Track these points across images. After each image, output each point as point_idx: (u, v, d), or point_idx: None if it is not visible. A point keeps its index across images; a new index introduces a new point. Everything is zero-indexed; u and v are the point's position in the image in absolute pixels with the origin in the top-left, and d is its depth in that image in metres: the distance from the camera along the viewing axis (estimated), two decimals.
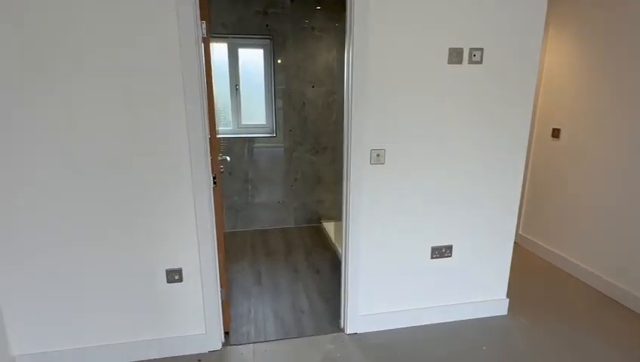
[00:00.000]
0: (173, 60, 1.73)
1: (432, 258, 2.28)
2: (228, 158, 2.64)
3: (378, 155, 2.05)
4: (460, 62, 2.00)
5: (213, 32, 3.53)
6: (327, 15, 3.64)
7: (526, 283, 2.90)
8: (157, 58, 1.72)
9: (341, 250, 2.12)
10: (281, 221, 4.02)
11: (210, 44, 3.82)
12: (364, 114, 1.99)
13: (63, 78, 1.66)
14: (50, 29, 1.60)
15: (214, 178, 2.02)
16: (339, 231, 3.72)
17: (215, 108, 2.48)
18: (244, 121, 3.90)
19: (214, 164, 2.01)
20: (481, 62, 2.02)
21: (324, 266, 3.17)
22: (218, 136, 3.72)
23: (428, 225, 2.22)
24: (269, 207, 3.96)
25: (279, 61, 3.64)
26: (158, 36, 1.69)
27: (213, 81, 1.93)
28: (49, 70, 1.64)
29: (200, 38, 1.78)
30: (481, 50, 2.00)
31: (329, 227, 3.93)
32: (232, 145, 3.74)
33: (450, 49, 1.98)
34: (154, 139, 1.80)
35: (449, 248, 2.28)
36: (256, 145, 3.79)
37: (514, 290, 2.77)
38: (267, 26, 3.56)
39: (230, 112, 3.84)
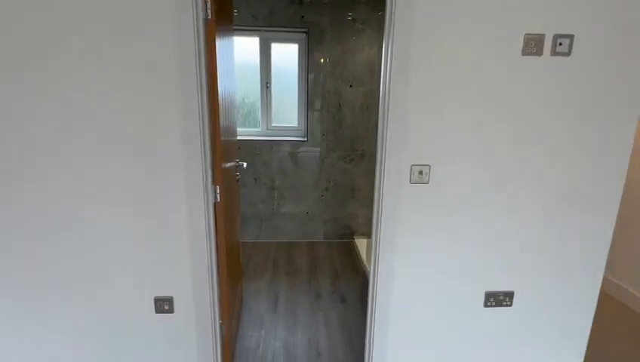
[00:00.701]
0: (164, 42, 1.40)
1: (485, 306, 1.77)
2: (244, 164, 2.30)
3: (421, 173, 1.59)
4: (538, 53, 1.49)
5: (243, 25, 3.22)
6: (371, 5, 3.20)
7: (612, 345, 2.27)
8: (141, 39, 1.39)
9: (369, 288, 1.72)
10: (309, 234, 3.64)
11: (240, 37, 3.56)
12: (404, 120, 1.54)
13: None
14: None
15: (217, 191, 1.67)
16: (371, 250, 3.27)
17: (229, 106, 2.13)
18: (275, 123, 3.57)
19: (218, 174, 1.66)
20: (568, 53, 1.50)
21: (351, 294, 2.74)
22: (243, 137, 3.41)
23: (482, 264, 1.72)
24: (296, 217, 3.59)
25: (321, 60, 3.26)
26: (146, 9, 1.37)
27: (218, 73, 1.58)
28: None
29: (202, 19, 1.43)
30: (570, 37, 1.48)
31: (361, 244, 3.49)
32: (259, 148, 3.42)
33: (526, 36, 1.48)
34: (138, 141, 1.48)
35: (509, 295, 1.76)
36: (286, 149, 3.44)
37: (595, 354, 2.16)
38: (302, 17, 3.20)
39: (259, 112, 3.52)
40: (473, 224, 1.67)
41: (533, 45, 1.48)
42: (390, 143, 1.56)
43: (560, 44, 1.48)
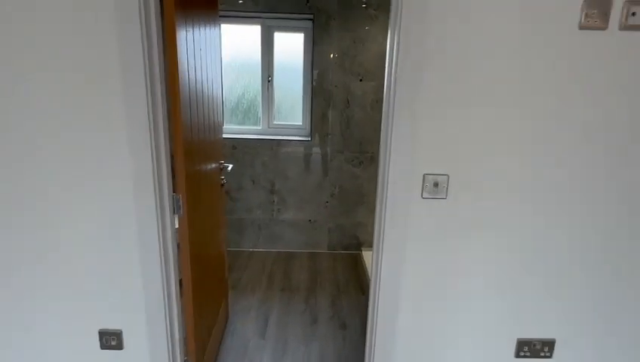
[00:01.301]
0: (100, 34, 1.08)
1: (517, 356, 1.39)
2: (229, 167, 1.98)
3: (436, 185, 1.22)
4: (602, 25, 1.10)
5: (241, 9, 2.90)
6: None
7: None
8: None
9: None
10: (312, 244, 3.29)
11: (239, 26, 3.22)
12: (415, 117, 1.17)
13: None
14: None
15: (180, 201, 1.34)
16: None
17: (207, 101, 1.80)
18: (277, 121, 3.24)
19: (181, 181, 1.33)
20: None
21: (354, 319, 2.37)
22: (240, 136, 3.09)
23: (514, 303, 1.34)
24: (297, 225, 3.24)
25: (329, 50, 2.91)
26: None
27: (184, 64, 1.25)
28: None
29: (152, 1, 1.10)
30: None
31: (369, 258, 3.10)
32: (259, 147, 3.09)
33: (585, 3, 1.09)
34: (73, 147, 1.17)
35: (549, 344, 1.37)
36: (288, 149, 3.10)
37: None
38: (307, 2, 2.85)
39: (260, 109, 3.19)
40: (504, 251, 1.28)
41: (594, 14, 1.09)
42: (397, 145, 1.19)
43: (633, 13, 1.09)
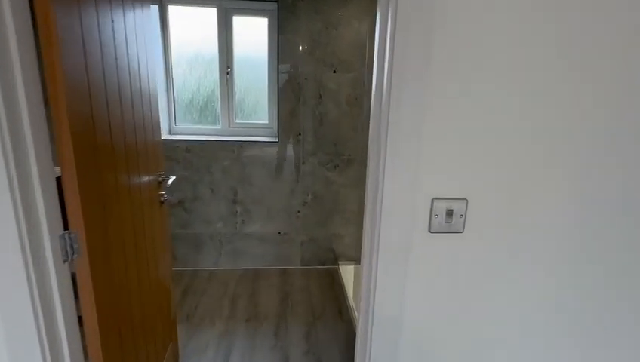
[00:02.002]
0: None
1: None
2: (170, 180, 1.54)
3: (450, 214, 0.85)
4: None
5: None
6: None
7: None
8: None
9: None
10: (282, 259, 2.89)
11: (191, 7, 2.69)
12: (420, 114, 0.80)
13: None
14: None
15: (72, 240, 0.90)
16: (357, 277, 2.54)
17: (124, 95, 1.34)
18: (239, 119, 2.80)
19: (73, 209, 0.90)
20: None
21: (332, 353, 2.00)
22: (196, 137, 2.64)
23: None
24: (265, 239, 2.83)
25: (296, 37, 2.50)
26: None
27: (58, 40, 0.82)
28: None
29: None
30: None
31: (347, 273, 2.75)
32: (218, 150, 2.65)
33: None
34: None
35: None
36: (251, 152, 2.67)
37: None
38: None
39: (219, 106, 2.75)
40: (545, 309, 0.94)
41: None
42: (394, 158, 0.81)
43: None
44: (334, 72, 2.56)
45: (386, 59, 0.81)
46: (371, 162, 0.91)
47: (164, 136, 2.65)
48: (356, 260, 2.91)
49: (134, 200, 1.27)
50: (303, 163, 2.70)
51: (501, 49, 0.79)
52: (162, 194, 1.56)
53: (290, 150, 2.68)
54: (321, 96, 2.59)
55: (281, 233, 2.83)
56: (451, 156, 0.83)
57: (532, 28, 0.79)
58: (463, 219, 0.85)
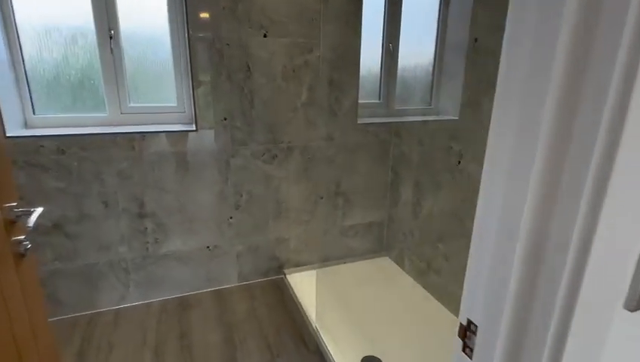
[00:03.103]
0: None
1: None
2: (34, 214, 0.87)
3: None
4: None
5: None
6: None
7: None
8: None
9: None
10: (214, 279, 2.29)
11: None
12: None
13: None
14: None
15: None
16: (320, 286, 2.12)
17: None
18: (134, 102, 2.05)
19: None
20: None
21: None
22: (71, 131, 1.83)
23: None
24: (189, 258, 2.19)
25: None
26: None
27: None
28: None
29: None
30: None
31: (298, 282, 2.30)
32: (109, 147, 1.88)
33: None
34: None
35: None
36: (158, 147, 1.97)
37: None
38: None
39: (102, 85, 1.95)
40: None
41: None
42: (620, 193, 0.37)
43: None
44: (265, 35, 1.98)
45: None
46: (479, 210, 0.46)
47: (15, 132, 1.78)
48: (307, 264, 2.47)
49: None
50: (233, 156, 2.11)
51: None
52: (20, 242, 0.88)
53: (213, 140, 2.05)
54: (249, 68, 2.00)
55: (210, 247, 2.22)
56: None
57: None
58: None
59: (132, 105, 2.03)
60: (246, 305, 2.15)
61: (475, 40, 1.71)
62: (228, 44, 1.93)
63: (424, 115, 2.42)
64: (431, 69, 2.42)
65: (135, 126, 1.99)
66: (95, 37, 1.87)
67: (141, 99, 2.06)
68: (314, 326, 1.92)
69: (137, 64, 2.02)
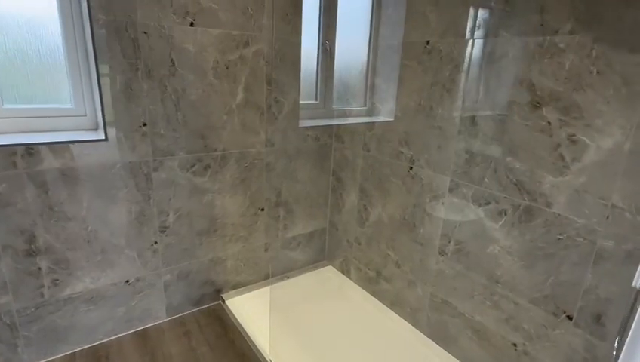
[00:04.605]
0: None
1: None
2: None
3: None
4: None
5: None
6: None
7: None
8: None
9: None
10: (138, 318, 1.89)
11: None
12: None
13: None
14: None
15: None
16: (270, 309, 1.91)
17: None
18: (8, 104, 1.54)
19: None
20: None
21: None
22: None
23: None
24: (102, 296, 1.76)
25: None
26: None
27: None
28: None
29: None
30: None
31: (239, 306, 2.04)
32: None
33: None
34: None
35: None
36: (54, 162, 1.51)
37: None
38: None
39: None
40: None
41: None
42: None
43: None
44: (191, 24, 1.66)
45: None
46: None
47: None
48: (247, 284, 2.21)
49: None
50: (155, 169, 1.74)
51: None
52: None
53: (130, 151, 1.66)
54: (173, 63, 1.66)
55: (130, 281, 1.81)
56: None
57: None
58: None
59: (7, 106, 1.52)
60: (180, 345, 1.82)
61: (427, 42, 1.66)
62: (145, 33, 1.56)
63: (358, 115, 2.34)
64: (364, 68, 2.35)
65: (15, 135, 1.50)
66: None
67: (21, 100, 1.56)
68: (267, 359, 1.70)
69: (13, 54, 1.52)
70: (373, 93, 2.28)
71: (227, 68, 1.79)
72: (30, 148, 1.44)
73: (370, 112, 2.29)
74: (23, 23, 1.52)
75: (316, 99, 2.35)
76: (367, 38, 2.30)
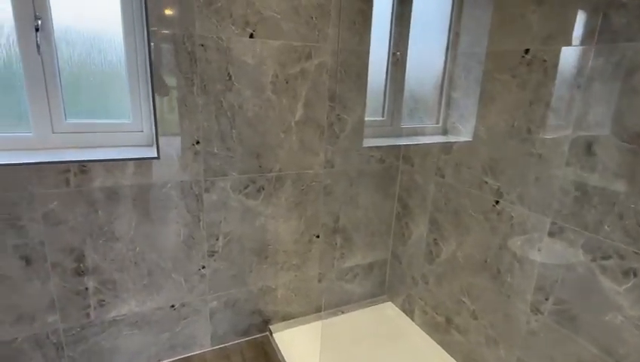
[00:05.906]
0: None
1: None
2: None
3: None
4: None
5: None
6: None
7: None
8: None
9: None
10: (181, 345, 1.78)
11: None
12: None
13: None
14: None
15: None
16: (322, 348, 1.69)
17: None
18: (71, 119, 1.52)
19: None
20: None
21: None
22: None
23: None
24: (147, 321, 1.68)
25: None
26: None
27: None
28: None
29: None
30: None
31: (287, 340, 1.84)
32: (31, 183, 1.35)
33: None
34: None
35: None
36: (106, 180, 1.46)
37: None
38: None
39: (26, 94, 1.41)
40: None
41: None
42: None
43: None
44: (251, 36, 1.53)
45: None
46: None
47: None
48: (297, 316, 2.02)
49: None
50: (207, 190, 1.63)
51: None
52: None
53: (181, 170, 1.56)
54: (230, 77, 1.54)
55: (176, 306, 1.71)
56: None
57: None
58: None
59: (70, 121, 1.51)
60: None
61: (526, 51, 1.35)
62: (202, 45, 1.46)
63: (431, 134, 2.05)
64: (440, 81, 2.06)
65: (73, 150, 1.46)
66: (14, 26, 1.34)
67: (82, 115, 1.54)
68: None
69: (77, 68, 1.50)
70: (449, 109, 1.99)
71: (287, 82, 1.63)
72: (83, 166, 1.39)
73: (445, 131, 2.00)
74: (88, 37, 1.50)
75: (383, 116, 2.12)
76: (445, 46, 2.02)
